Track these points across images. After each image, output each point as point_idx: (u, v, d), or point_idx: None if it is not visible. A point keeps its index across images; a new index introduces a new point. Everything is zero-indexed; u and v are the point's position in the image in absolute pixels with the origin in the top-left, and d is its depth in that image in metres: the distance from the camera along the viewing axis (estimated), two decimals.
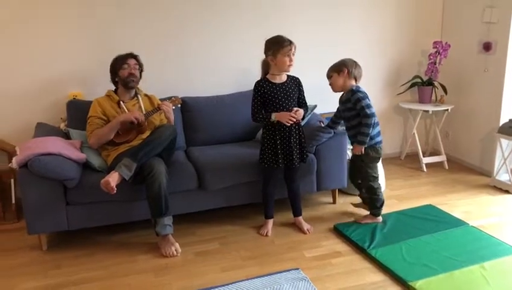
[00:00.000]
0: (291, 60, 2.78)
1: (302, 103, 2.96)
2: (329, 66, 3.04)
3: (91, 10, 3.37)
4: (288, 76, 2.91)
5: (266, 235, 3.01)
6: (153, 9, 3.50)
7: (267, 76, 2.87)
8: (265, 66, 2.88)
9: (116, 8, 3.41)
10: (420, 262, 2.60)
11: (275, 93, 2.82)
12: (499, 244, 2.78)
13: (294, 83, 2.92)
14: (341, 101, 3.05)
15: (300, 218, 3.11)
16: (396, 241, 2.82)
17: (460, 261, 2.59)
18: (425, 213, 3.18)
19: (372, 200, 3.05)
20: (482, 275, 2.46)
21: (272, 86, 2.84)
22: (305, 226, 3.06)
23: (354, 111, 2.92)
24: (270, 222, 3.07)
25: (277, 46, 2.75)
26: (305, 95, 2.98)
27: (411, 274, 2.47)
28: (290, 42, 2.78)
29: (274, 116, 2.80)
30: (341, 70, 2.96)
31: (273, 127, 2.86)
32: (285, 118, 2.78)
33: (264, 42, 2.82)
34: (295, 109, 2.83)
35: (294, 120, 2.80)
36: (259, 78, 2.87)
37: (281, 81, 2.86)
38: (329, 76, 3.03)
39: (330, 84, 3.04)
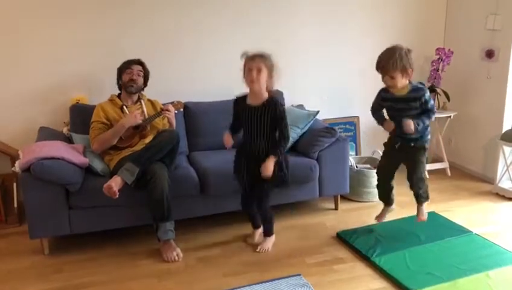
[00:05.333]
0: (251, 77, 2.54)
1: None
2: (378, 58, 2.63)
3: (95, 15, 3.38)
4: (267, 99, 2.62)
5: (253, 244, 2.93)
6: (158, 14, 3.51)
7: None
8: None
9: (120, 13, 3.43)
10: (424, 270, 2.58)
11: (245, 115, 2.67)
12: (503, 253, 2.76)
13: (269, 107, 2.61)
14: (397, 99, 2.68)
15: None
16: (400, 248, 2.81)
17: (465, 269, 2.57)
18: (428, 220, 3.16)
19: (426, 188, 2.90)
20: (487, 284, 2.45)
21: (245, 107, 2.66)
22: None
23: (417, 109, 2.65)
24: (257, 232, 3.00)
25: (246, 59, 2.59)
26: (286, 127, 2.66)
27: (415, 282, 2.46)
28: (253, 56, 2.56)
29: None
30: (406, 72, 2.57)
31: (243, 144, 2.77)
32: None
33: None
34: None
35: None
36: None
37: (256, 104, 2.63)
38: (391, 76, 2.58)
39: (387, 83, 2.65)
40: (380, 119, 2.84)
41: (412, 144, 2.76)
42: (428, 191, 2.92)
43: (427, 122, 2.69)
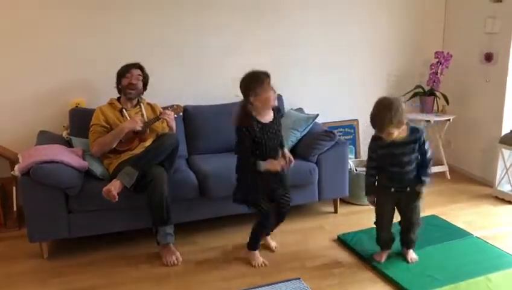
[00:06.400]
0: (274, 93, 2.56)
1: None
2: (371, 118, 2.49)
3: (94, 19, 3.39)
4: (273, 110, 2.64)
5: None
6: (157, 18, 3.51)
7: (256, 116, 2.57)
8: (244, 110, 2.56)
9: (119, 17, 3.43)
10: (425, 273, 2.58)
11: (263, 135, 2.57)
12: (503, 256, 2.76)
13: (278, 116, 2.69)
14: (397, 144, 2.52)
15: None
16: (401, 252, 2.80)
17: (465, 272, 2.57)
18: (429, 223, 3.16)
19: (416, 235, 2.76)
20: (487, 287, 2.45)
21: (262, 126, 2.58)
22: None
23: (415, 152, 2.56)
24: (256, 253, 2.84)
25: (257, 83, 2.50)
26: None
27: (416, 285, 2.46)
28: (267, 79, 2.51)
29: (263, 166, 2.56)
30: (402, 124, 2.46)
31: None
32: (277, 166, 2.61)
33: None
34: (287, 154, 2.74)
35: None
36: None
37: (270, 120, 2.62)
38: (388, 132, 2.45)
39: (384, 136, 2.49)
40: (372, 188, 2.70)
41: (408, 189, 2.62)
42: None
43: (430, 171, 2.60)
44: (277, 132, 2.66)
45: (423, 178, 2.58)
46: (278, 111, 2.71)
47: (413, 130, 2.56)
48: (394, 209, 2.73)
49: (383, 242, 2.78)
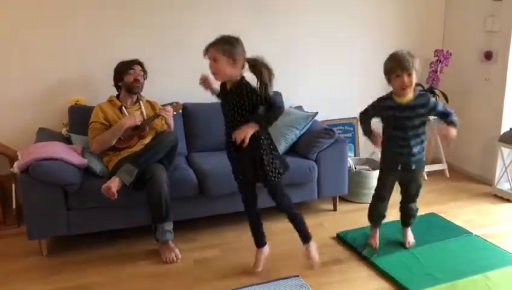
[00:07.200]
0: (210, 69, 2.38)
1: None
2: (395, 58, 2.49)
3: (94, 16, 3.38)
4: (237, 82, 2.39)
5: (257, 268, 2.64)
6: (155, 16, 3.51)
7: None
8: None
9: (119, 14, 3.43)
10: (424, 271, 2.59)
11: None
12: (502, 254, 2.77)
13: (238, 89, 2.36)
14: (404, 106, 2.52)
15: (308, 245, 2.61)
16: (399, 249, 2.81)
17: (464, 270, 2.58)
18: (428, 221, 3.17)
19: (416, 210, 2.84)
20: (486, 285, 2.45)
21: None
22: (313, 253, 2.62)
23: (423, 117, 2.55)
24: (261, 251, 2.66)
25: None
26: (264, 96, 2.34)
27: (414, 283, 2.46)
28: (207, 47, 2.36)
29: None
30: (413, 76, 2.48)
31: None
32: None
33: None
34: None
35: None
36: (257, 85, 2.38)
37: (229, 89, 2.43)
38: (409, 73, 2.44)
39: (403, 82, 2.46)
40: (368, 130, 2.71)
41: (414, 167, 2.62)
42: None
43: (454, 118, 2.57)
44: (234, 106, 2.37)
45: (451, 119, 2.54)
46: (243, 86, 2.36)
47: (421, 94, 2.57)
48: (395, 182, 2.76)
49: (377, 215, 2.82)
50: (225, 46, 2.33)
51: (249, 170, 2.43)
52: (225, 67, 2.33)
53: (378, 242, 2.85)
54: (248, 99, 2.33)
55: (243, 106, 2.36)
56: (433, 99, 2.59)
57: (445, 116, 2.59)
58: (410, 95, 2.53)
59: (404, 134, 2.55)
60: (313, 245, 2.60)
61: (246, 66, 2.37)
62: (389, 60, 2.54)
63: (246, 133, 2.30)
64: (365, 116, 2.71)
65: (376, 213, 2.84)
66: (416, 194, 2.78)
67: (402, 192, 2.81)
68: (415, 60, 2.49)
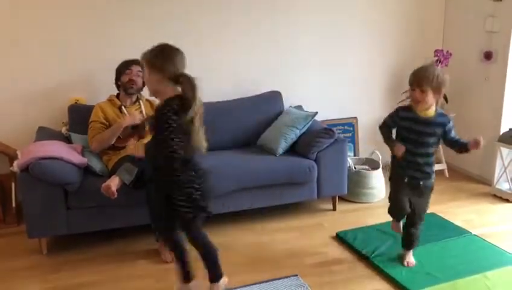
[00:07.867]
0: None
1: None
2: (414, 72, 2.46)
3: (94, 15, 3.38)
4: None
5: None
6: (157, 16, 3.51)
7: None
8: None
9: (119, 13, 3.43)
10: (423, 271, 2.59)
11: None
12: (501, 254, 2.77)
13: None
14: (420, 121, 2.47)
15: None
16: (399, 249, 2.79)
17: (463, 270, 2.58)
18: (427, 221, 3.15)
19: (418, 237, 2.72)
20: (485, 285, 2.46)
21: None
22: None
23: (437, 136, 2.50)
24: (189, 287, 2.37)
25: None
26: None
27: (414, 283, 2.47)
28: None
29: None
30: (439, 93, 2.43)
31: None
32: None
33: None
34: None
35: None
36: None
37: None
38: (422, 89, 2.40)
39: (415, 97, 2.43)
40: (390, 138, 2.61)
41: (421, 183, 2.55)
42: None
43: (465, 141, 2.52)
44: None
45: (462, 142, 2.50)
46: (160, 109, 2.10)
47: (442, 114, 2.51)
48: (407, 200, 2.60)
49: (398, 211, 2.67)
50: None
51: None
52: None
53: (401, 229, 2.73)
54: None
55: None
56: (452, 123, 2.51)
57: (457, 144, 2.51)
58: (431, 111, 2.47)
59: (414, 148, 2.49)
60: (221, 286, 2.31)
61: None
62: (413, 71, 2.50)
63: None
64: (385, 128, 2.62)
65: (397, 210, 2.69)
66: (419, 219, 2.65)
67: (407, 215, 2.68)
68: (441, 78, 2.42)
